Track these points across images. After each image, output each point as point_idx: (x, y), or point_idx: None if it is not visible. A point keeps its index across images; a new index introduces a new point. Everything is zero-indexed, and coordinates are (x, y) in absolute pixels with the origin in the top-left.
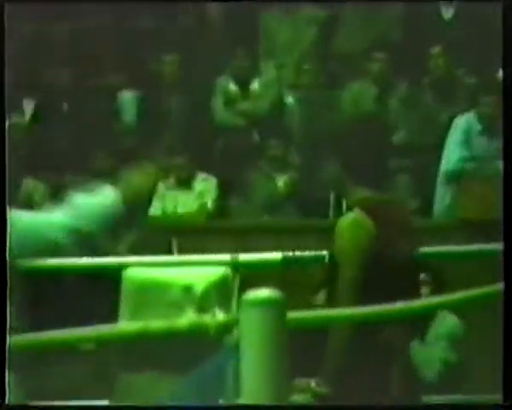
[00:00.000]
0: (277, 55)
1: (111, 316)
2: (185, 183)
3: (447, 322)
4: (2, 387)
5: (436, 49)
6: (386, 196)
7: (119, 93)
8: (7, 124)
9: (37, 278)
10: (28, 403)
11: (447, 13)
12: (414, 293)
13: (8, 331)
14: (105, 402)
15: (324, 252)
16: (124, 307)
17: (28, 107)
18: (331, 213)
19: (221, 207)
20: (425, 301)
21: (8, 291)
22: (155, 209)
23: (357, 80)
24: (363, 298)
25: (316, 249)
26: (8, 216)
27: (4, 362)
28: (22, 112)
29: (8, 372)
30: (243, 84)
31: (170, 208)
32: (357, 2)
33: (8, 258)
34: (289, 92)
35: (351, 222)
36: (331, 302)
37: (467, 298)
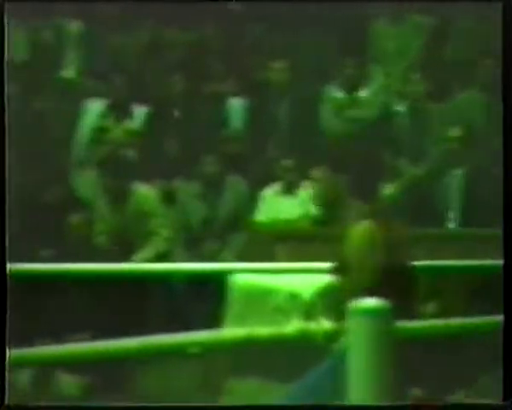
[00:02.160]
0: (386, 63)
1: (217, 321)
2: (291, 189)
3: None
4: (2, 387)
5: None
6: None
7: (227, 100)
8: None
9: (146, 283)
10: (28, 403)
11: None
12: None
13: (7, 334)
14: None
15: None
16: (230, 312)
17: (140, 113)
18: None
19: (325, 215)
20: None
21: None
22: (260, 215)
23: (465, 89)
24: None
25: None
26: (6, 218)
27: (4, 362)
28: (134, 118)
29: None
30: (351, 92)
31: (275, 215)
32: (467, 11)
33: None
34: (398, 100)
35: (363, 229)
36: None
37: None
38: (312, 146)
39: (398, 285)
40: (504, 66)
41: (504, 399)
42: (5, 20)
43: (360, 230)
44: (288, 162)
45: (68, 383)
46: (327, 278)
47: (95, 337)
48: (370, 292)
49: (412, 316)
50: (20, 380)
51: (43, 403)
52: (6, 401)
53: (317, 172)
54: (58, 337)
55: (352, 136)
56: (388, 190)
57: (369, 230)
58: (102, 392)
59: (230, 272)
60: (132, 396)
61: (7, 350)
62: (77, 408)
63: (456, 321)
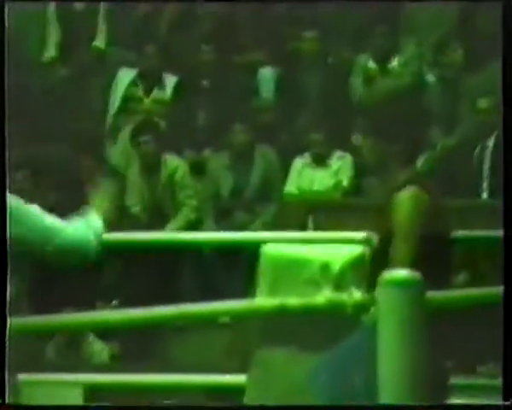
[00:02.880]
0: (417, 34)
1: (248, 290)
2: (322, 160)
3: None
4: (2, 387)
5: None
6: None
7: (258, 69)
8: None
9: (177, 252)
10: (28, 403)
11: None
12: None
13: (8, 329)
14: (241, 377)
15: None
16: (261, 282)
17: (170, 82)
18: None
19: (357, 186)
20: None
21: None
22: (291, 186)
23: (495, 61)
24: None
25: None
26: (7, 208)
27: (4, 362)
28: (164, 87)
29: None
30: (383, 62)
31: (306, 185)
32: None
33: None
34: (429, 70)
35: (412, 195)
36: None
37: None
38: (343, 116)
39: (438, 255)
40: (504, 66)
41: (504, 399)
42: (5, 20)
43: (408, 197)
44: (318, 133)
45: (100, 350)
46: (358, 249)
47: (127, 306)
48: (414, 261)
49: (445, 286)
50: (53, 346)
51: (43, 403)
52: (6, 401)
53: (357, 138)
54: (92, 305)
55: (384, 106)
56: (421, 160)
57: (417, 196)
58: (133, 360)
59: (261, 241)
60: (163, 365)
61: (7, 350)
62: (77, 408)
63: (486, 290)
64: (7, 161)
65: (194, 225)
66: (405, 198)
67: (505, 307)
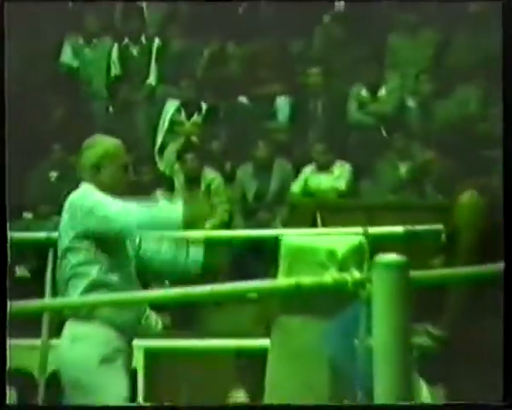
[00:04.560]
0: (400, 68)
1: (271, 273)
2: (325, 168)
3: None
4: (2, 387)
5: None
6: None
7: (276, 99)
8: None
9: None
10: (28, 403)
11: None
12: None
13: (8, 330)
14: (265, 341)
15: (440, 226)
16: (282, 266)
17: (206, 109)
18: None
19: (354, 189)
20: None
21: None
22: (297, 188)
23: (463, 87)
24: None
25: (431, 224)
26: (7, 209)
27: (5, 362)
28: (201, 113)
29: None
30: (373, 91)
31: (313, 188)
32: (469, 30)
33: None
34: (410, 97)
35: (473, 199)
36: (446, 265)
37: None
38: (341, 134)
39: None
40: (504, 65)
41: (504, 399)
42: (5, 20)
43: (470, 198)
44: (323, 147)
45: (156, 320)
46: (357, 239)
47: (174, 285)
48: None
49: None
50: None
51: (42, 403)
52: (7, 401)
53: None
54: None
55: (373, 126)
56: (402, 169)
57: (477, 199)
58: (179, 329)
59: (279, 236)
60: (202, 333)
61: (7, 350)
62: (77, 408)
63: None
64: (7, 160)
65: (227, 224)
66: (467, 201)
67: (505, 307)
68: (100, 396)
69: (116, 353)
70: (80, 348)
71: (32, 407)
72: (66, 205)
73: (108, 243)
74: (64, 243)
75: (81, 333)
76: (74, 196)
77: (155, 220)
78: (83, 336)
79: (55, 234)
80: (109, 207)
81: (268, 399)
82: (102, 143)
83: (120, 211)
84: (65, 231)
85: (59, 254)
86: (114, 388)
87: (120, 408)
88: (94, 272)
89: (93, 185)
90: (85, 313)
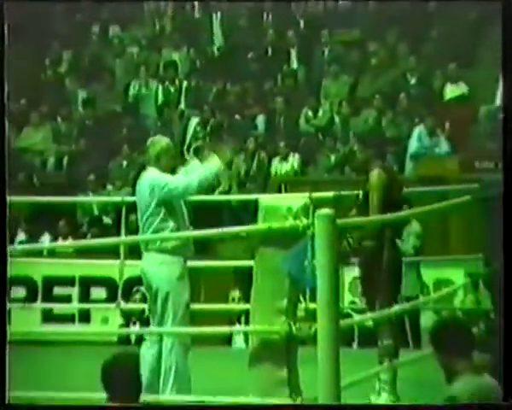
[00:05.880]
0: (330, 98)
1: (253, 221)
2: (286, 158)
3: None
4: (2, 387)
5: None
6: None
7: (257, 117)
8: None
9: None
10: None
11: None
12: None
13: (7, 334)
14: (251, 262)
15: (357, 192)
16: (260, 217)
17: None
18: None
19: (303, 170)
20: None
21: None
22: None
23: (366, 110)
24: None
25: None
26: (7, 207)
27: (4, 362)
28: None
29: None
30: (314, 111)
31: (279, 170)
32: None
33: None
34: (336, 115)
35: (379, 174)
36: (362, 215)
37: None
38: (295, 138)
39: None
40: (504, 65)
41: (504, 399)
42: (5, 20)
43: (377, 173)
44: (284, 145)
45: None
46: (304, 199)
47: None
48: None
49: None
50: None
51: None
52: (6, 401)
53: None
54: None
55: (315, 134)
56: (332, 158)
57: (381, 174)
58: (201, 255)
59: (258, 199)
60: (214, 256)
61: (7, 350)
62: (77, 408)
63: None
64: (6, 162)
65: (227, 192)
66: (375, 174)
67: (505, 309)
68: (176, 301)
69: (184, 271)
70: (166, 269)
71: (32, 407)
72: (145, 184)
73: (173, 204)
74: (147, 210)
75: (162, 259)
76: (148, 177)
77: (208, 176)
78: (164, 262)
79: (127, 198)
80: (175, 181)
81: (253, 294)
82: (160, 142)
83: (183, 181)
84: (147, 202)
85: (140, 216)
86: (185, 296)
87: (120, 408)
88: (170, 224)
89: (156, 169)
90: (157, 247)
